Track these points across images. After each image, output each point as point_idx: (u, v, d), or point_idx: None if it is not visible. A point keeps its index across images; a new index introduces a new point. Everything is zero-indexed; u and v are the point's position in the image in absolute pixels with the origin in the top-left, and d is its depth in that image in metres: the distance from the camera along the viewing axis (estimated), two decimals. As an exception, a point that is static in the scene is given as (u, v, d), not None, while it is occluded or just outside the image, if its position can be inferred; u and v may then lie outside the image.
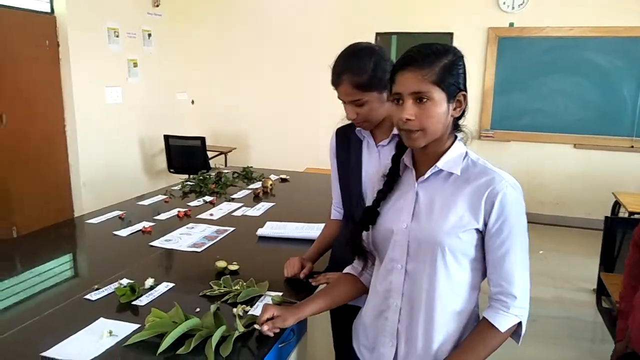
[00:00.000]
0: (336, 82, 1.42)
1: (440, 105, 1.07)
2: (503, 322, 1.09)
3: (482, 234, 1.11)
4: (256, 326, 1.27)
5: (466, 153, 1.15)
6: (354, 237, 1.26)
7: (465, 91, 1.11)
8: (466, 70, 1.12)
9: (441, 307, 1.12)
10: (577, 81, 5.10)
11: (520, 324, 1.10)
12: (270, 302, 1.44)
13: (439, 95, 1.06)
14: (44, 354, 1.17)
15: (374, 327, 1.25)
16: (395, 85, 1.10)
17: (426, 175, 1.15)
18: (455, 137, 1.17)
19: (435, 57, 1.07)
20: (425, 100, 1.06)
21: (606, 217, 2.76)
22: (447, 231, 1.09)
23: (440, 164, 1.13)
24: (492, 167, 1.13)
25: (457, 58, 1.10)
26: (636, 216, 3.47)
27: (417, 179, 1.17)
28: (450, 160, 1.13)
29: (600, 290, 2.63)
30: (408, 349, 1.17)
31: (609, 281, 2.41)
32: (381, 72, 1.39)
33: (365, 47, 1.43)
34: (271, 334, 1.26)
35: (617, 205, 3.85)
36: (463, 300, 1.14)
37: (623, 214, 3.63)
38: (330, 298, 1.35)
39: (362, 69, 1.37)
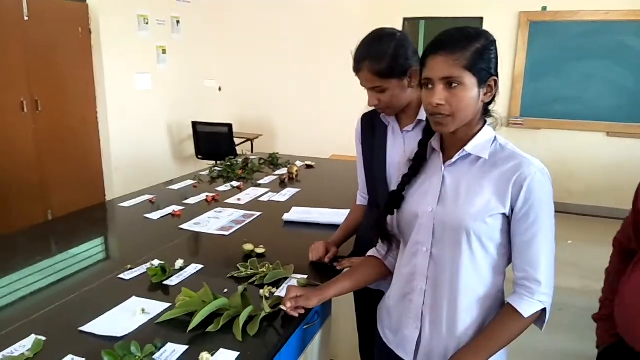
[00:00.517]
0: (356, 68, 1.42)
1: (471, 91, 1.06)
2: (527, 308, 1.08)
3: (508, 219, 1.10)
4: (282, 306, 1.31)
5: (495, 137, 1.15)
6: (379, 221, 1.28)
7: (497, 76, 1.10)
8: (498, 55, 1.11)
9: (465, 291, 1.13)
10: (611, 67, 4.94)
11: (544, 310, 1.09)
12: (296, 284, 1.48)
13: (470, 80, 1.05)
14: (82, 328, 1.24)
15: (398, 310, 1.26)
16: (425, 69, 1.09)
17: (454, 159, 1.14)
18: (485, 121, 1.16)
19: (467, 42, 1.06)
20: (456, 85, 1.05)
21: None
22: (474, 215, 1.09)
23: (468, 148, 1.12)
24: (521, 152, 1.12)
25: (490, 42, 1.09)
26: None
27: (444, 163, 1.17)
28: (479, 144, 1.13)
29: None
30: (432, 332, 1.18)
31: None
32: (402, 59, 1.38)
33: (386, 34, 1.42)
34: (295, 314, 1.30)
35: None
36: (487, 284, 1.14)
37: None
38: (354, 280, 1.38)
39: (381, 56, 1.36)
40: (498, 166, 1.10)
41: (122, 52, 4.75)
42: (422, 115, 1.46)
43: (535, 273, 1.08)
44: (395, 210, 1.25)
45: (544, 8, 5.04)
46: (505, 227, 1.11)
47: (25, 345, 1.17)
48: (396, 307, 1.27)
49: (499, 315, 1.13)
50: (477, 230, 1.09)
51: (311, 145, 5.46)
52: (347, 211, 1.82)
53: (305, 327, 1.45)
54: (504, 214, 1.09)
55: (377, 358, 1.40)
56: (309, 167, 3.27)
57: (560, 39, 5.05)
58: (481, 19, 5.26)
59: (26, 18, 3.93)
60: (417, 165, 1.23)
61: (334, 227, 1.91)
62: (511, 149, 1.13)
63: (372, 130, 1.60)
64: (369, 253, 1.42)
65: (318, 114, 6.08)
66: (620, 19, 4.82)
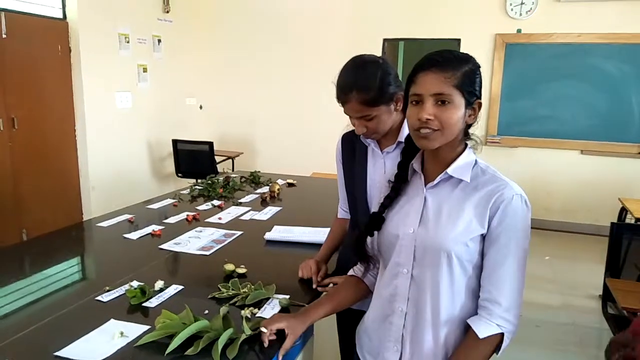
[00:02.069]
0: (343, 99, 1.40)
1: (459, 110, 1.08)
2: (483, 330, 1.08)
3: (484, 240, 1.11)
4: (263, 329, 1.29)
5: (475, 161, 1.16)
6: (358, 242, 1.27)
7: (481, 100, 1.13)
8: (482, 81, 1.14)
9: (446, 313, 1.13)
10: (585, 88, 5.10)
11: (502, 336, 1.08)
12: (278, 305, 1.47)
13: (459, 100, 1.08)
14: (58, 353, 1.21)
15: (377, 332, 1.26)
16: (415, 86, 1.10)
17: (436, 181, 1.15)
18: (466, 144, 1.18)
19: (458, 62, 1.09)
20: (446, 102, 1.07)
21: (612, 223, 2.76)
22: (455, 238, 1.09)
23: (450, 170, 1.13)
24: (501, 175, 1.14)
25: (476, 67, 1.12)
26: (643, 223, 3.47)
27: (425, 185, 1.18)
28: (460, 167, 1.14)
29: (606, 296, 2.63)
30: (412, 354, 1.17)
31: (614, 287, 2.41)
32: (388, 87, 1.39)
33: (370, 61, 1.42)
34: (274, 337, 1.27)
35: (623, 211, 3.85)
36: (469, 306, 1.14)
37: (630, 220, 3.63)
38: (335, 302, 1.37)
39: (369, 86, 1.36)
40: (479, 189, 1.12)
41: (103, 70, 4.72)
42: (402, 137, 1.47)
43: (498, 296, 1.08)
44: (376, 232, 1.24)
45: (519, 30, 5.19)
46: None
47: (-2, 371, 1.13)
48: (376, 329, 1.26)
49: (463, 339, 1.13)
50: (458, 253, 1.10)
51: (292, 163, 5.48)
52: (328, 229, 1.82)
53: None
54: (482, 235, 1.10)
55: None
56: (290, 185, 3.28)
57: (535, 60, 5.20)
58: (459, 40, 5.39)
59: (4, 36, 3.89)
60: (397, 186, 1.23)
61: (316, 245, 1.91)
62: (492, 172, 1.15)
63: (352, 151, 1.61)
64: (350, 272, 1.41)
65: (299, 132, 6.12)
66: (591, 41, 5.00)
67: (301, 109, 6.09)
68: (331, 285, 1.59)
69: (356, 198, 1.58)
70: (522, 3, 5.13)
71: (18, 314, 1.45)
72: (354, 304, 1.41)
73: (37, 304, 1.52)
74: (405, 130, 1.48)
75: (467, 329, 1.13)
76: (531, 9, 5.11)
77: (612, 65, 5.01)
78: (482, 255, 1.12)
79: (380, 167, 1.53)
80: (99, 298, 1.52)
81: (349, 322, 1.71)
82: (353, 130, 1.62)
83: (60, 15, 4.42)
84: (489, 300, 1.09)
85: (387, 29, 5.61)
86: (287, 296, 1.52)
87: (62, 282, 1.69)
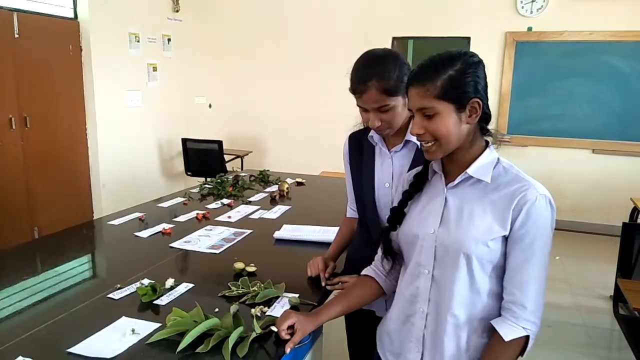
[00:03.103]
0: (361, 89, 1.37)
1: (448, 117, 1.07)
2: (508, 333, 1.06)
3: (507, 241, 1.09)
4: (274, 328, 1.30)
5: (498, 160, 1.14)
6: (383, 237, 1.27)
7: (481, 96, 1.09)
8: (483, 75, 1.10)
9: (467, 313, 1.12)
10: (596, 86, 5.05)
11: (528, 338, 1.07)
12: (288, 303, 1.47)
13: (444, 108, 1.06)
14: (70, 350, 1.22)
15: (399, 333, 1.25)
16: (408, 101, 1.14)
17: (456, 182, 1.14)
18: (487, 143, 1.16)
19: (436, 71, 1.06)
20: (430, 115, 1.07)
21: (624, 223, 2.74)
22: (476, 239, 1.08)
23: (470, 171, 1.12)
24: (525, 175, 1.12)
25: (468, 65, 1.08)
26: (655, 223, 3.43)
27: (446, 185, 1.17)
28: (481, 167, 1.12)
29: (617, 297, 2.61)
30: (434, 355, 1.17)
31: (626, 287, 2.39)
32: (404, 76, 1.38)
33: (387, 52, 1.42)
34: (288, 337, 1.27)
35: (635, 211, 3.81)
36: (490, 307, 1.13)
37: (642, 220, 3.59)
38: (348, 302, 1.35)
39: (389, 74, 1.35)
40: (501, 189, 1.10)
41: (113, 69, 4.76)
42: (410, 136, 1.47)
43: (523, 298, 1.07)
44: (397, 229, 1.24)
45: (530, 28, 5.15)
46: (505, 250, 1.10)
47: (12, 367, 1.15)
48: (397, 330, 1.26)
49: (488, 342, 1.12)
50: (479, 254, 1.09)
51: (301, 162, 5.49)
52: (337, 228, 1.82)
53: (296, 347, 1.43)
54: (504, 237, 1.08)
55: None
56: (299, 184, 3.28)
57: (546, 58, 5.16)
58: (468, 38, 5.36)
59: (17, 35, 3.93)
60: (418, 182, 1.23)
61: (325, 244, 1.92)
62: (514, 172, 1.12)
63: (359, 151, 1.61)
64: (364, 272, 1.40)
65: (308, 130, 6.12)
66: (603, 39, 4.95)
67: (310, 108, 6.10)
68: (340, 284, 1.59)
69: (364, 198, 1.57)
70: (533, 1, 5.09)
71: (30, 311, 1.47)
72: (366, 305, 1.41)
73: (49, 301, 1.54)
74: (413, 130, 1.47)
75: (489, 330, 1.12)
76: (542, 6, 5.07)
77: (624, 64, 4.95)
78: (504, 256, 1.10)
79: (388, 167, 1.52)
80: (110, 295, 1.53)
81: (358, 322, 1.71)
82: (360, 130, 1.62)
83: (72, 15, 4.46)
84: (514, 302, 1.08)
85: (397, 27, 5.59)
86: (297, 295, 1.53)
87: (73, 280, 1.71)
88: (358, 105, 1.43)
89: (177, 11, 5.55)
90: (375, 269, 1.38)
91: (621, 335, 2.50)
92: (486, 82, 1.12)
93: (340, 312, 1.35)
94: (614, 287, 2.61)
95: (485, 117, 1.13)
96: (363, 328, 1.72)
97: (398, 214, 1.24)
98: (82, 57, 4.52)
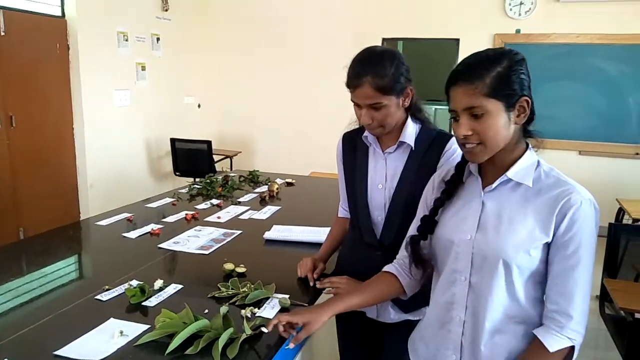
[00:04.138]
0: (355, 84, 1.37)
1: (497, 117, 1.02)
2: (553, 343, 1.03)
3: (549, 247, 1.05)
4: (264, 329, 1.29)
5: (538, 162, 1.10)
6: (412, 246, 1.22)
7: (529, 95, 1.06)
8: (528, 73, 1.07)
9: (506, 321, 1.09)
10: (583, 88, 5.11)
11: (573, 348, 1.04)
12: (278, 304, 1.47)
13: (494, 107, 1.02)
14: (57, 352, 1.20)
15: (435, 340, 1.22)
16: (449, 101, 1.07)
17: (494, 185, 1.10)
18: (527, 145, 1.12)
19: (485, 69, 1.02)
20: (480, 114, 1.02)
21: (610, 224, 2.76)
22: (516, 247, 1.04)
23: (510, 174, 1.08)
24: (567, 178, 1.07)
25: (514, 63, 1.05)
26: (641, 223, 3.48)
27: (483, 188, 1.13)
28: (521, 170, 1.08)
29: (604, 297, 2.63)
30: None
31: (612, 287, 2.41)
32: (402, 77, 1.38)
33: (385, 50, 1.42)
34: (287, 335, 1.26)
35: (621, 211, 3.86)
36: (528, 312, 1.09)
37: (627, 220, 3.64)
38: (367, 296, 1.30)
39: (384, 72, 1.35)
40: (542, 194, 1.06)
41: (101, 68, 4.71)
42: (404, 137, 1.47)
43: (568, 307, 1.02)
44: (430, 236, 1.20)
45: (518, 31, 5.20)
46: (547, 257, 1.06)
47: (-3, 370, 1.13)
48: (433, 336, 1.23)
49: (527, 349, 1.08)
50: (520, 262, 1.05)
51: (291, 162, 5.48)
52: (328, 229, 1.82)
53: (286, 347, 1.43)
54: (547, 243, 1.04)
55: None
56: (289, 184, 3.27)
57: (533, 60, 5.11)
58: (458, 40, 5.39)
59: (2, 33, 3.88)
60: (450, 189, 1.18)
61: (315, 245, 1.91)
62: (556, 175, 1.08)
63: (353, 151, 1.60)
64: (386, 268, 1.34)
65: (297, 131, 6.11)
66: (590, 42, 5.01)
67: (300, 109, 6.09)
68: (328, 284, 1.56)
69: (356, 199, 1.56)
70: (521, 3, 5.14)
71: (16, 313, 1.44)
72: (385, 300, 1.39)
73: (36, 302, 1.52)
74: (407, 131, 1.47)
75: (528, 336, 1.09)
76: (530, 9, 5.12)
77: (610, 66, 5.02)
78: (545, 262, 1.06)
79: (382, 168, 1.52)
80: (98, 297, 1.52)
81: (349, 323, 1.71)
82: (354, 130, 1.62)
83: (59, 13, 4.40)
84: (558, 312, 1.03)
85: (386, 28, 5.61)
86: (287, 295, 1.52)
87: (61, 281, 1.69)
88: (352, 100, 1.43)
89: (166, 10, 5.51)
90: (397, 266, 1.32)
91: (607, 335, 2.53)
92: (530, 80, 1.08)
93: (358, 304, 1.30)
94: (600, 287, 2.64)
95: (531, 117, 1.09)
96: (354, 329, 1.72)
97: (430, 223, 1.19)
98: (69, 56, 4.47)
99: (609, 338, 2.52)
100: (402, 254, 1.31)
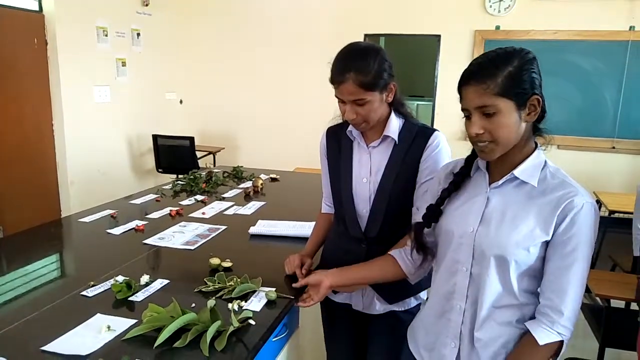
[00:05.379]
0: (339, 80, 1.38)
1: (509, 116, 1.04)
2: (543, 337, 1.07)
3: (547, 245, 1.09)
4: (251, 322, 1.32)
5: (545, 163, 1.12)
6: (416, 234, 1.25)
7: (540, 94, 1.08)
8: (539, 71, 1.09)
9: (504, 312, 1.13)
10: (561, 84, 5.20)
11: (562, 343, 1.08)
12: (265, 297, 1.49)
13: (506, 106, 1.04)
14: (44, 348, 1.20)
15: (435, 328, 1.26)
16: (462, 100, 1.09)
17: (500, 182, 1.12)
18: (536, 144, 1.14)
19: (496, 68, 1.04)
20: (492, 113, 1.04)
21: (587, 216, 2.85)
22: (517, 243, 1.07)
23: (517, 173, 1.10)
24: (572, 180, 1.10)
25: (525, 62, 1.07)
26: (616, 215, 3.58)
27: (490, 184, 1.15)
28: (528, 169, 1.10)
29: (582, 287, 2.72)
30: (470, 352, 1.18)
31: (589, 277, 2.49)
32: (385, 73, 1.40)
33: (368, 46, 1.43)
34: (305, 305, 1.44)
35: (598, 204, 3.96)
36: (525, 305, 1.13)
37: (604, 213, 3.73)
38: (367, 271, 1.42)
39: (367, 68, 1.36)
40: (546, 194, 1.08)
41: (80, 64, 4.64)
42: (389, 131, 1.49)
43: (560, 303, 1.06)
44: (433, 225, 1.23)
45: (498, 27, 5.27)
46: (544, 254, 1.10)
47: (-16, 367, 1.12)
48: (433, 324, 1.27)
49: (520, 342, 1.13)
50: (518, 258, 1.08)
51: (274, 158, 5.47)
52: (313, 223, 1.83)
53: (274, 339, 1.45)
54: (545, 241, 1.08)
55: None
56: (273, 180, 3.28)
57: None
58: (439, 36, 5.44)
59: (-22, 28, 3.79)
60: (458, 180, 1.21)
61: (301, 239, 1.93)
62: (561, 176, 1.11)
63: (337, 145, 1.61)
64: (390, 252, 1.39)
65: (281, 127, 6.10)
66: (567, 38, 5.10)
67: (283, 105, 6.08)
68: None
69: (341, 192, 1.58)
70: (500, 0, 5.21)
71: (3, 310, 1.43)
72: (384, 280, 1.42)
73: (20, 300, 1.51)
74: (391, 125, 1.49)
75: (524, 327, 1.13)
76: (509, 5, 5.19)
77: (587, 62, 5.12)
78: (542, 259, 1.10)
79: (366, 162, 1.54)
80: (84, 293, 1.51)
81: (334, 314, 1.74)
82: (339, 124, 1.63)
83: (36, 8, 4.32)
84: (551, 308, 1.08)
85: (368, 24, 5.62)
86: (274, 289, 1.54)
87: (45, 278, 1.68)
88: (336, 96, 1.44)
89: (147, 5, 5.44)
90: (401, 251, 1.36)
91: (585, 324, 2.60)
92: (541, 79, 1.09)
93: (361, 277, 1.43)
94: (578, 277, 2.72)
95: (542, 115, 1.11)
96: (338, 320, 1.74)
97: (435, 212, 1.22)
98: (47, 51, 4.39)
99: (586, 326, 2.60)
100: (407, 242, 1.34)
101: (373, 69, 1.37)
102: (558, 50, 5.16)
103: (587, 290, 2.63)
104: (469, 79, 1.06)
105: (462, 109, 1.10)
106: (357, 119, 1.43)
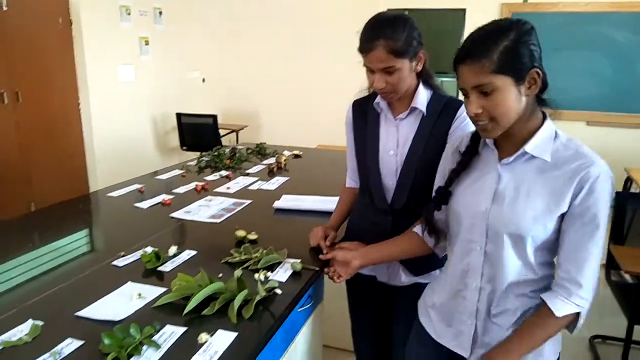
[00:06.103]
0: (368, 47, 1.36)
1: (507, 92, 1.01)
2: (560, 308, 1.06)
3: (563, 216, 1.06)
4: (278, 291, 1.34)
5: (556, 133, 1.09)
6: (427, 217, 1.25)
7: (539, 66, 1.03)
8: (538, 42, 1.04)
9: (521, 287, 1.12)
10: (591, 57, 5.04)
11: (578, 314, 1.07)
12: (290, 268, 1.50)
13: (504, 83, 1.00)
14: (78, 313, 1.24)
15: (449, 307, 1.25)
16: (458, 79, 1.06)
17: (511, 158, 1.10)
18: (544, 115, 1.10)
19: (491, 43, 1.00)
20: (489, 91, 1.01)
21: (617, 192, 2.77)
22: (533, 219, 1.05)
23: (528, 148, 1.07)
24: (586, 149, 1.06)
25: (522, 34, 1.02)
26: (648, 192, 3.48)
27: (500, 160, 1.12)
28: (540, 143, 1.07)
29: (610, 264, 2.66)
30: (486, 328, 1.18)
31: (618, 253, 2.43)
32: (415, 41, 1.38)
33: (398, 15, 1.41)
34: (337, 280, 1.46)
35: (629, 181, 3.86)
36: (543, 278, 1.12)
37: (635, 189, 3.64)
38: (394, 246, 1.42)
39: (397, 35, 1.34)
40: (560, 166, 1.05)
41: (104, 43, 4.68)
42: (416, 102, 1.47)
43: (578, 275, 1.05)
44: (444, 206, 1.22)
45: (525, 0, 5.11)
46: (560, 226, 1.08)
47: (22, 330, 1.17)
48: (446, 304, 1.26)
49: (535, 313, 1.12)
50: (535, 234, 1.07)
51: (297, 136, 5.45)
52: (337, 198, 1.83)
53: (299, 309, 1.47)
54: (562, 214, 1.06)
55: (417, 356, 1.39)
56: (296, 156, 3.28)
57: (541, 30, 4.92)
58: (464, 10, 5.30)
59: (5, 8, 3.85)
60: (466, 160, 1.18)
61: (325, 214, 1.93)
62: (574, 146, 1.07)
63: (364, 118, 1.60)
64: (413, 228, 1.39)
65: (304, 104, 6.08)
66: (599, 10, 4.91)
67: (304, 82, 6.04)
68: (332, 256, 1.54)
69: (368, 165, 1.57)
70: (529, -29, 5.04)
71: (36, 280, 1.48)
72: (410, 256, 1.43)
73: (55, 270, 1.55)
74: (419, 97, 1.47)
75: (540, 300, 1.12)
76: (538, -23, 5.02)
77: (619, 35, 4.93)
78: (558, 232, 1.08)
79: (394, 134, 1.52)
80: (114, 263, 1.55)
81: (359, 286, 1.74)
82: (364, 97, 1.62)
83: (61, -13, 4.36)
84: (568, 280, 1.06)
85: (392, -1, 5.52)
86: (299, 260, 1.55)
87: (77, 250, 1.73)
88: (365, 65, 1.42)
89: (169, -17, 5.44)
90: (423, 229, 1.34)
91: (613, 302, 2.56)
92: (541, 50, 1.05)
93: (389, 255, 1.45)
94: (606, 254, 2.66)
95: (543, 88, 1.07)
96: (364, 293, 1.75)
97: (444, 194, 1.20)
98: (72, 31, 4.44)
99: (615, 304, 2.56)
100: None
101: (403, 35, 1.35)
102: (589, 22, 4.97)
103: (617, 267, 2.58)
104: (464, 57, 1.03)
105: (460, 88, 1.07)
106: (386, 88, 1.41)
